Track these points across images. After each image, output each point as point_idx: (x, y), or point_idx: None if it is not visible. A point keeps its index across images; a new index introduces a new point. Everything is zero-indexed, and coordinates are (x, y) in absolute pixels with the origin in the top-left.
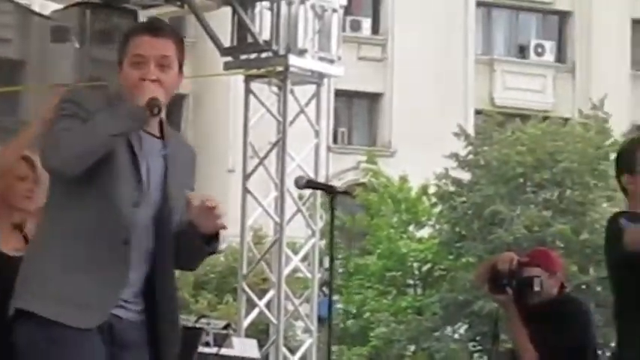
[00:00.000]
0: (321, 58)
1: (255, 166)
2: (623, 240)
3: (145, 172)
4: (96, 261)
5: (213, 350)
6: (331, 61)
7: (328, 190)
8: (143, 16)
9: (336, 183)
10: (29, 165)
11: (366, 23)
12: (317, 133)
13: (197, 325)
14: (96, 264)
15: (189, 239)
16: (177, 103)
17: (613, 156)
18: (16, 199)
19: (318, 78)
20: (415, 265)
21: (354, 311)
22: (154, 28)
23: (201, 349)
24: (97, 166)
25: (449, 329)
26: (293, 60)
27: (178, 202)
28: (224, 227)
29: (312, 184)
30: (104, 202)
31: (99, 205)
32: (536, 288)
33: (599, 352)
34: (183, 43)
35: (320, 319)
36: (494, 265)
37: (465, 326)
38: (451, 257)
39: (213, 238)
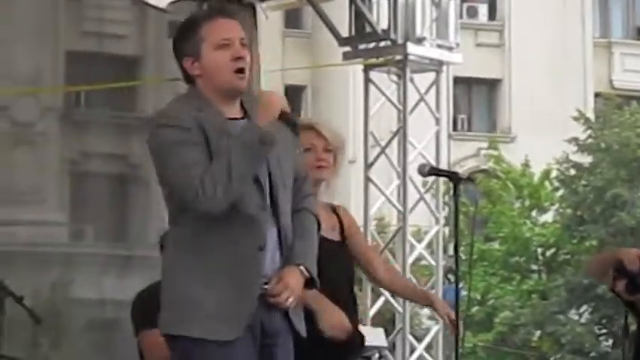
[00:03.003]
0: (439, 46)
1: (376, 156)
2: None
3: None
4: (232, 274)
5: None
6: (450, 49)
7: (452, 176)
8: (260, 9)
9: (458, 170)
10: (314, 134)
11: (483, 9)
12: (437, 121)
13: None
14: (232, 276)
15: None
16: (295, 94)
17: None
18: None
19: (437, 65)
20: (539, 250)
21: (479, 298)
22: (228, 12)
23: None
24: None
25: (573, 312)
26: (412, 48)
27: (285, 179)
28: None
29: (435, 172)
30: (234, 215)
31: (229, 218)
32: None
33: None
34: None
35: None
36: (618, 264)
37: (590, 309)
38: (574, 241)
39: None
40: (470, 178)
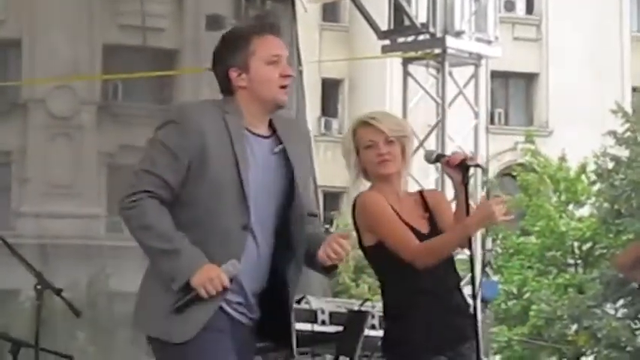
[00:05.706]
0: (478, 39)
1: (415, 149)
2: None
3: (254, 187)
4: None
5: (380, 333)
6: (488, 42)
7: (461, 163)
8: (300, 2)
9: (495, 164)
10: (372, 130)
11: (520, 3)
12: (476, 114)
13: (362, 309)
14: None
15: (311, 263)
16: (333, 87)
17: None
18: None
19: (476, 59)
20: (575, 244)
21: (515, 291)
22: (276, 30)
23: (367, 332)
24: (201, 194)
25: (609, 306)
26: (450, 42)
27: (303, 198)
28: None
29: (441, 158)
30: (213, 226)
31: (207, 230)
32: None
33: None
34: None
35: (482, 300)
36: None
37: (625, 304)
38: (611, 235)
39: (332, 268)
40: (479, 165)
